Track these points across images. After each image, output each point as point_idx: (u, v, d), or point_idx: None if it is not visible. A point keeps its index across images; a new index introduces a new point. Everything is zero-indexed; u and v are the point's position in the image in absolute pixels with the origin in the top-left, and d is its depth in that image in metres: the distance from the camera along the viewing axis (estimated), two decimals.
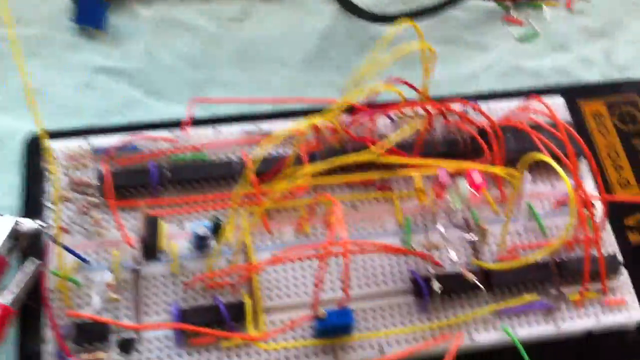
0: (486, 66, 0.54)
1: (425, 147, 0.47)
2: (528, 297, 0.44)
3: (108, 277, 0.39)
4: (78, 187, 0.41)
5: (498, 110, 0.49)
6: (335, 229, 0.39)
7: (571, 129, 0.45)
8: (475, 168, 0.41)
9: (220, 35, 0.53)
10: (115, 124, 0.48)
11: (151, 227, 0.40)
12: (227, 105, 0.50)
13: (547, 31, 0.57)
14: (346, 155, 0.41)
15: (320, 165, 0.41)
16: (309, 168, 0.41)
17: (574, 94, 0.52)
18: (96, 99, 0.50)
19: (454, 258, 0.43)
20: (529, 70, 0.54)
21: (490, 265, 0.44)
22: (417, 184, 0.41)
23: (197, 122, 0.47)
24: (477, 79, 0.53)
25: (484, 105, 0.49)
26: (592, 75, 0.55)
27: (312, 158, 0.46)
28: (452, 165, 0.43)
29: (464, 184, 0.40)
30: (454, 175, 0.42)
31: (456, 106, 0.47)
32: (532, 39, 0.56)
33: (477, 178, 0.40)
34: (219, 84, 0.51)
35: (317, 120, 0.41)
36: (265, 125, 0.47)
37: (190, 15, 0.54)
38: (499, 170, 0.45)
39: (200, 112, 0.49)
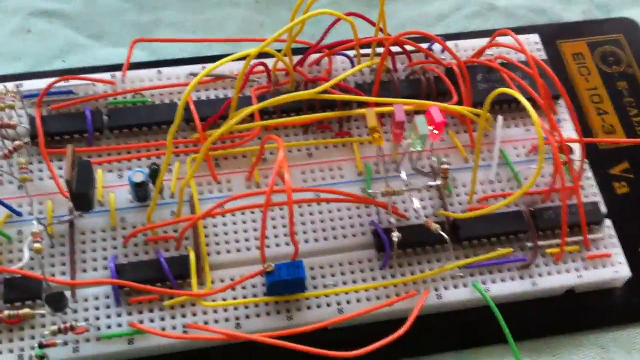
0: (456, 5, 0.50)
1: (386, 89, 0.43)
2: (501, 251, 0.40)
3: (34, 227, 0.35)
4: (2, 129, 0.38)
5: (468, 49, 0.45)
6: (279, 173, 0.35)
7: (545, 65, 0.41)
8: (435, 105, 0.37)
9: None
10: (52, 69, 0.44)
11: (83, 171, 0.36)
12: (176, 49, 0.46)
13: None
14: (287, 94, 0.37)
15: (258, 106, 0.37)
16: (249, 108, 0.37)
17: (553, 34, 0.48)
18: (35, 44, 0.47)
19: (417, 206, 0.39)
20: (503, 9, 0.50)
21: (457, 214, 0.40)
22: (369, 122, 0.37)
23: (142, 66, 0.44)
24: (447, 20, 0.49)
25: (451, 44, 0.45)
26: (573, 14, 0.51)
27: (262, 100, 0.42)
28: (410, 103, 0.39)
29: (422, 121, 0.36)
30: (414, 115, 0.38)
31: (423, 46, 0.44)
32: None
33: (437, 115, 0.36)
34: (167, 26, 0.47)
35: (252, 53, 0.37)
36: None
37: None
38: (462, 109, 0.41)
39: (146, 56, 0.46)
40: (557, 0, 0.51)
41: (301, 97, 0.38)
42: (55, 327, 0.35)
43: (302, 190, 0.39)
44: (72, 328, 0.35)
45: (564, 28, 0.49)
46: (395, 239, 0.38)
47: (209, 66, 0.42)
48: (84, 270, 0.38)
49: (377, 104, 0.40)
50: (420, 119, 0.37)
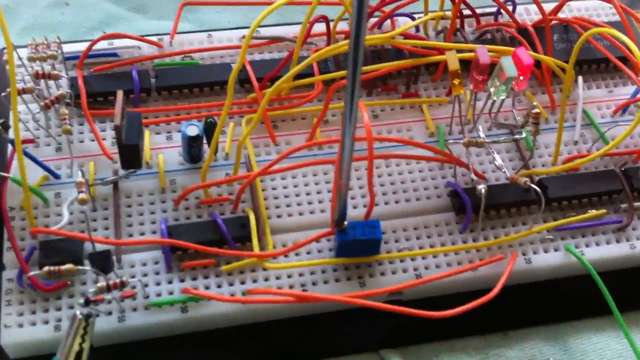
0: None
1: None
2: (594, 212, 0.36)
3: (78, 177, 0.31)
4: (42, 79, 0.34)
5: (539, 13, 0.42)
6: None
7: (636, 15, 0.38)
8: (522, 47, 0.34)
9: None
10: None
11: (132, 122, 0.33)
12: (224, 21, 0.43)
13: None
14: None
15: (317, 54, 0.34)
16: (309, 59, 0.34)
17: (627, 3, 0.45)
18: (74, 16, 0.44)
19: (499, 163, 0.35)
20: None
21: (544, 170, 0.36)
22: (451, 65, 0.34)
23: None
24: None
25: (520, 9, 0.42)
26: None
27: (324, 64, 0.39)
28: (493, 49, 0.36)
29: (509, 63, 0.33)
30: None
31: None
32: None
33: (525, 56, 0.33)
34: None
35: None
36: (267, 30, 0.40)
37: None
38: (547, 59, 0.37)
39: (194, 28, 0.43)
40: None
41: (369, 43, 0.35)
42: (102, 284, 0.30)
43: (384, 139, 0.35)
44: (122, 285, 0.30)
45: None
46: (482, 190, 0.33)
47: (262, 30, 0.40)
48: (130, 235, 0.34)
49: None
50: (507, 60, 0.33)
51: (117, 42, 0.39)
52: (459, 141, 0.35)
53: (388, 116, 0.38)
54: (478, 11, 0.41)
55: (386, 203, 0.36)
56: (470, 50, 0.34)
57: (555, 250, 0.35)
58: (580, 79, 0.39)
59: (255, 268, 0.33)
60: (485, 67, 0.33)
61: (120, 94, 0.32)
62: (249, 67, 0.38)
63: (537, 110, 0.34)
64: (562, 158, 0.37)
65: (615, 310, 0.33)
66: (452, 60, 0.34)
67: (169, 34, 0.40)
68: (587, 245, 0.35)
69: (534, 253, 0.35)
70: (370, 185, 0.32)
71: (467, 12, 0.41)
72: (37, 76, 0.34)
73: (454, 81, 0.34)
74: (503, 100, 0.35)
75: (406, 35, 0.38)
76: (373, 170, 0.32)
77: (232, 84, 0.33)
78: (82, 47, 0.38)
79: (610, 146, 0.35)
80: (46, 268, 0.30)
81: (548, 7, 0.42)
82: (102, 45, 0.39)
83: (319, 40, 0.40)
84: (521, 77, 0.34)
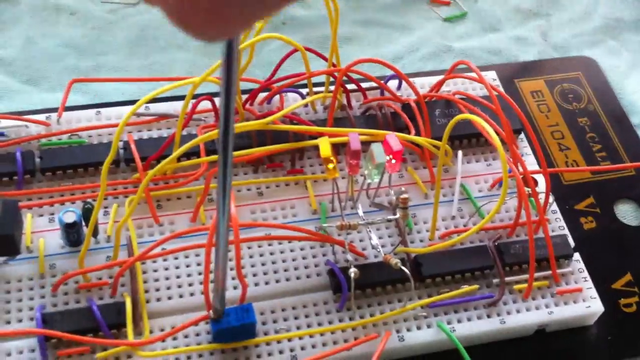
0: (411, 47, 0.49)
1: (341, 126, 0.40)
2: (466, 288, 0.37)
3: None
4: None
5: (425, 86, 0.44)
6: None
7: (506, 96, 0.39)
8: (392, 133, 0.35)
9: (110, 21, 0.47)
10: None
11: (8, 211, 0.33)
12: (118, 93, 0.44)
13: (476, 11, 0.52)
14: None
15: (200, 138, 0.35)
16: (191, 142, 0.35)
17: (510, 73, 0.47)
18: None
19: (375, 242, 0.36)
20: (459, 50, 0.49)
21: (418, 249, 0.37)
22: (323, 151, 0.35)
23: (81, 109, 0.41)
24: (402, 61, 0.48)
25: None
26: (529, 55, 0.49)
27: (210, 142, 0.40)
28: (366, 133, 0.37)
29: (379, 149, 0.34)
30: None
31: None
32: (460, 19, 0.51)
33: (394, 143, 0.34)
34: (109, 70, 0.45)
35: (195, 82, 0.35)
36: (156, 107, 0.41)
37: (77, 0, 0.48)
38: (420, 139, 0.39)
39: (87, 101, 0.43)
40: (512, 41, 0.50)
41: (249, 128, 0.36)
42: None
43: (251, 225, 0.36)
44: None
45: (522, 67, 0.48)
46: (352, 275, 0.34)
47: (152, 106, 0.41)
48: (8, 322, 0.34)
49: (331, 136, 0.38)
50: (376, 147, 0.34)
51: (3, 122, 0.39)
52: (332, 225, 0.36)
53: (273, 193, 0.39)
54: (370, 83, 0.42)
55: (266, 283, 0.37)
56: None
57: (428, 326, 0.36)
58: (460, 153, 0.41)
59: (132, 354, 0.34)
60: (357, 153, 0.35)
61: None
62: (133, 146, 0.38)
63: (405, 195, 0.35)
64: (440, 233, 0.39)
65: None
66: (325, 146, 0.35)
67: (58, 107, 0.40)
68: (459, 321, 0.36)
69: (408, 330, 0.36)
70: (240, 275, 0.33)
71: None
72: None
73: (327, 166, 0.35)
74: (380, 180, 0.36)
75: (288, 117, 0.39)
76: (240, 260, 0.33)
77: (106, 170, 0.34)
78: None
79: (483, 222, 0.36)
80: None
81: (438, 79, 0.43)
82: None
83: (208, 116, 0.41)
84: (393, 161, 0.35)
